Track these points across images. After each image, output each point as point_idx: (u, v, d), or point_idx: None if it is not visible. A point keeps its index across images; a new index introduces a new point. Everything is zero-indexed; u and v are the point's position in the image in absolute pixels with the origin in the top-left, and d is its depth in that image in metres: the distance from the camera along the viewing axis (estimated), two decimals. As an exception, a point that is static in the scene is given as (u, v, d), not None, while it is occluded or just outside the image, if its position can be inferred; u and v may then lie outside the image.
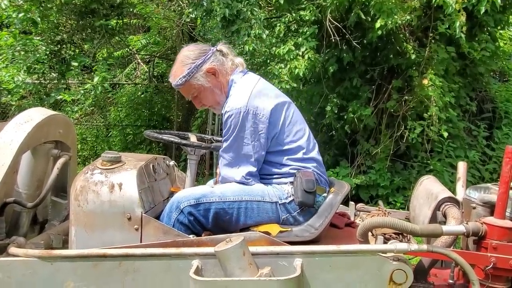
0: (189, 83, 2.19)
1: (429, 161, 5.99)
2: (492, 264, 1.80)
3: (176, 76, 2.20)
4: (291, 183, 2.10)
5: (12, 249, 1.85)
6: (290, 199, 2.08)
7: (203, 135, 2.74)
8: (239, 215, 2.05)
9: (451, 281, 2.10)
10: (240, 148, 2.11)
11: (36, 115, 2.13)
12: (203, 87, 2.19)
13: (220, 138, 2.73)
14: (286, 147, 2.15)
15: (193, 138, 2.54)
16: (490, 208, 2.03)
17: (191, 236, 1.91)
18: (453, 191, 2.45)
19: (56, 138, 2.28)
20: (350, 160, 6.41)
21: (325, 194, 2.13)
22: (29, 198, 2.18)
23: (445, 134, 5.57)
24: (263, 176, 2.18)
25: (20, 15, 5.74)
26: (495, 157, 6.39)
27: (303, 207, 2.06)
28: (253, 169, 2.11)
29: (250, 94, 2.11)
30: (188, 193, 2.07)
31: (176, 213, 2.01)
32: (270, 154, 2.16)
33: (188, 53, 2.21)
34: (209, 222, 2.04)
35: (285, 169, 2.15)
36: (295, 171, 2.11)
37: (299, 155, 2.16)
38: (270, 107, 2.11)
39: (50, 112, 2.24)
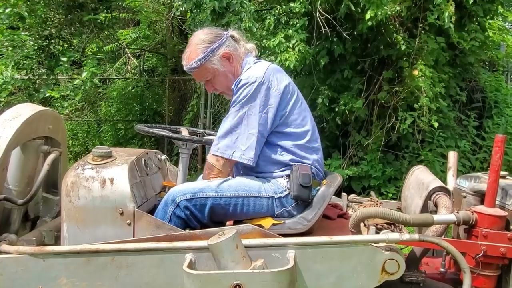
0: (204, 67, 2.17)
1: (420, 152, 6.03)
2: (482, 252, 1.82)
3: (190, 59, 2.17)
4: (287, 176, 2.10)
5: (4, 247, 1.84)
6: (285, 193, 2.07)
7: (195, 129, 2.72)
8: (235, 211, 2.04)
9: (442, 269, 2.12)
10: (245, 117, 2.05)
11: (24, 110, 2.10)
12: (218, 71, 2.18)
13: (212, 132, 2.73)
14: (293, 129, 2.13)
15: (184, 132, 2.53)
16: (481, 197, 2.05)
17: (186, 230, 1.91)
18: (444, 180, 2.47)
19: (45, 134, 2.26)
20: (342, 152, 6.43)
21: (319, 187, 2.14)
22: (20, 195, 2.16)
23: (436, 125, 5.61)
24: (260, 161, 2.13)
25: (7, 10, 5.67)
26: (486, 146, 6.45)
27: (298, 201, 2.06)
28: (253, 144, 2.04)
29: (267, 69, 2.11)
30: (184, 187, 2.06)
31: (172, 207, 2.00)
32: (275, 135, 2.12)
33: (203, 37, 2.19)
34: (205, 217, 2.03)
35: (285, 157, 2.11)
36: (293, 163, 2.10)
37: (304, 141, 2.14)
38: (284, 84, 2.11)
39: (39, 107, 2.21)
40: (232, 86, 2.13)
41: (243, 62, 2.23)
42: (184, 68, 2.22)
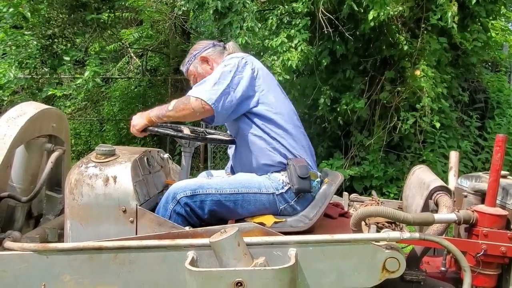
0: (189, 70, 2.49)
1: (421, 152, 6.03)
2: (483, 251, 1.83)
3: (183, 64, 2.54)
4: (284, 170, 2.13)
5: (8, 243, 1.85)
6: (286, 188, 2.09)
7: (195, 128, 2.73)
8: (236, 207, 2.06)
9: (443, 268, 2.14)
10: (222, 75, 2.16)
11: (29, 109, 2.12)
12: (196, 73, 2.46)
13: (213, 131, 2.74)
14: (273, 115, 2.20)
15: (186, 130, 2.54)
16: (481, 196, 2.06)
17: (186, 227, 1.92)
18: (446, 180, 2.48)
19: (49, 132, 2.27)
20: (344, 152, 6.44)
21: (318, 180, 2.16)
22: (24, 193, 2.17)
23: (437, 125, 5.61)
24: (254, 156, 2.18)
25: (11, 10, 5.69)
26: (487, 147, 6.45)
27: (300, 193, 2.08)
28: (219, 90, 2.10)
29: (248, 55, 2.33)
30: (184, 184, 2.08)
31: (173, 204, 2.02)
32: (259, 119, 2.19)
33: (195, 46, 2.55)
34: (205, 214, 2.05)
35: (275, 144, 2.16)
36: (287, 155, 2.14)
37: (288, 127, 2.21)
38: (263, 68, 2.31)
39: (43, 106, 2.23)
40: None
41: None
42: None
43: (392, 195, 5.92)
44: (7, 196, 2.04)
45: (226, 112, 2.13)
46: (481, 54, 6.53)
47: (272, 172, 2.16)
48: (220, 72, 2.18)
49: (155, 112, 2.19)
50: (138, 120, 2.21)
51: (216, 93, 2.10)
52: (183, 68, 2.52)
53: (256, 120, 2.19)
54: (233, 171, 2.39)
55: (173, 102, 2.17)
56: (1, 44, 6.22)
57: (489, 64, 8.28)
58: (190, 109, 2.10)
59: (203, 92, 2.10)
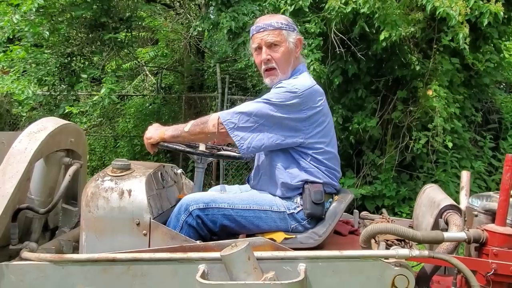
0: (281, 32, 2.19)
1: (434, 172, 6.00)
2: (493, 270, 1.83)
3: (275, 19, 2.24)
4: (300, 194, 2.15)
5: (25, 254, 1.91)
6: (299, 209, 2.12)
7: (212, 144, 2.76)
8: (247, 223, 2.10)
9: (453, 287, 2.12)
10: (264, 115, 2.07)
11: (49, 124, 2.19)
12: (287, 44, 2.20)
13: (230, 148, 2.77)
14: (320, 155, 2.17)
15: (202, 147, 2.58)
16: (492, 215, 2.06)
17: (197, 241, 1.96)
18: (458, 200, 2.48)
19: (67, 147, 2.34)
20: (356, 171, 6.43)
21: (331, 200, 2.18)
22: (41, 205, 2.23)
23: (450, 145, 5.59)
24: (286, 173, 2.16)
25: (31, 29, 5.90)
26: (501, 167, 6.37)
27: (312, 217, 2.11)
28: (248, 128, 2.06)
29: (311, 87, 2.14)
30: (197, 196, 2.12)
31: (185, 215, 2.06)
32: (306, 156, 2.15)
33: (287, 18, 2.30)
34: (216, 227, 2.08)
35: (313, 169, 2.15)
36: (303, 181, 2.14)
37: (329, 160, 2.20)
38: (316, 110, 2.15)
39: (63, 121, 2.30)
40: (274, 85, 2.19)
41: (298, 66, 2.28)
42: (261, 24, 2.22)
43: (404, 215, 5.86)
44: (26, 208, 2.10)
45: (255, 150, 2.10)
46: (494, 75, 6.52)
47: (288, 195, 2.17)
48: (261, 105, 2.07)
49: (170, 132, 2.17)
50: (153, 134, 2.20)
51: (245, 130, 2.06)
52: (277, 23, 2.20)
53: (294, 154, 2.16)
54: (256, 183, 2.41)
55: (190, 124, 2.14)
56: (21, 62, 6.41)
57: (503, 85, 8.25)
58: (206, 133, 2.11)
59: (228, 122, 2.06)
